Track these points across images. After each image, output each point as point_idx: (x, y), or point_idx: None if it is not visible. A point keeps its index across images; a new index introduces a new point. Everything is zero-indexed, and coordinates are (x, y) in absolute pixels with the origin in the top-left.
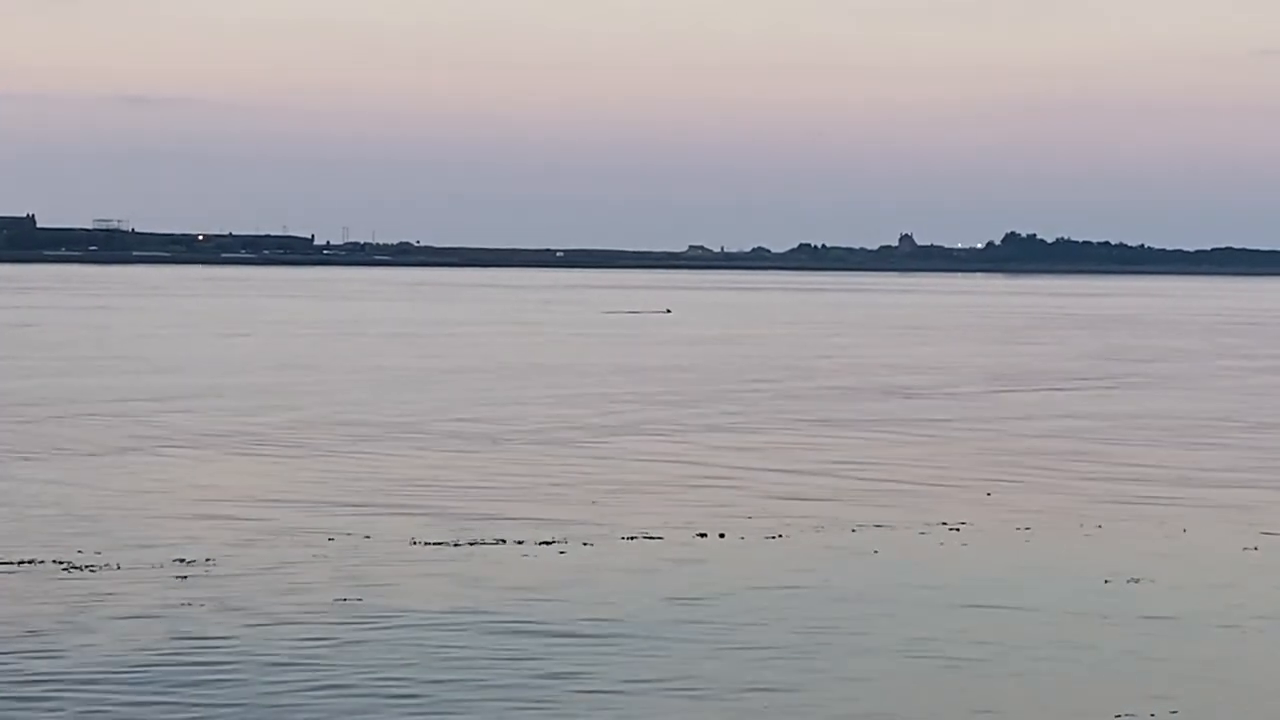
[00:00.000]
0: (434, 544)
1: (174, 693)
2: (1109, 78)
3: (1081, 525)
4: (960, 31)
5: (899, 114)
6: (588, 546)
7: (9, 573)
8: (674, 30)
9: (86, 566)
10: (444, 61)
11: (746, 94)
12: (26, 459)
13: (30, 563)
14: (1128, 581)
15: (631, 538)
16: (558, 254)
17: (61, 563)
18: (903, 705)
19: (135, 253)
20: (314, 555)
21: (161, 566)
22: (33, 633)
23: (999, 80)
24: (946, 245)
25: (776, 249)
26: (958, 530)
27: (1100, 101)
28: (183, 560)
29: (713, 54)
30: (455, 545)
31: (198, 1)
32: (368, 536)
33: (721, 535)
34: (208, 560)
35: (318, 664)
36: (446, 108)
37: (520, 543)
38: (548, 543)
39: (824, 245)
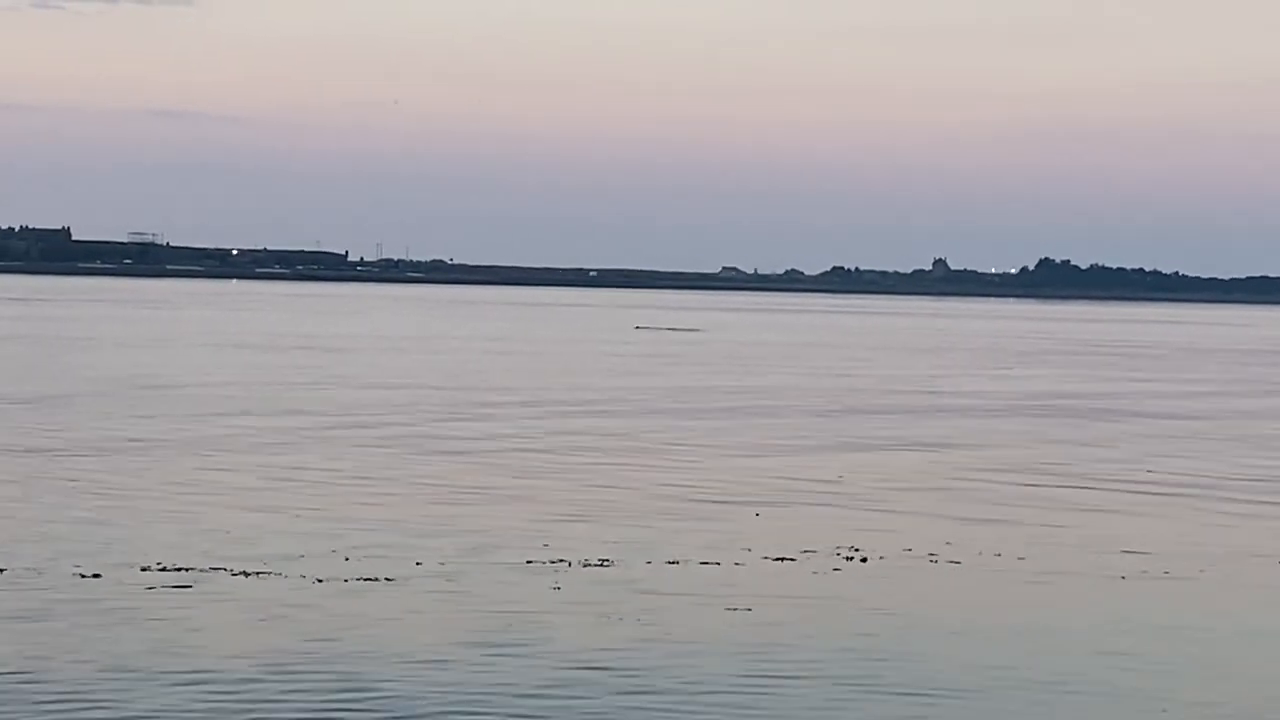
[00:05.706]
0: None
1: None
2: (1146, 104)
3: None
4: (997, 56)
5: (935, 138)
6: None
7: None
8: (710, 52)
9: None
10: (479, 80)
11: (782, 116)
12: None
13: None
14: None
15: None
16: (591, 273)
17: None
18: None
19: (169, 266)
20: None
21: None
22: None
23: (1035, 105)
24: (980, 270)
25: (810, 271)
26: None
27: (1136, 127)
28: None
29: (748, 76)
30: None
31: (232, 16)
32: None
33: None
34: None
35: None
36: (483, 126)
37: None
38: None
39: (857, 268)
